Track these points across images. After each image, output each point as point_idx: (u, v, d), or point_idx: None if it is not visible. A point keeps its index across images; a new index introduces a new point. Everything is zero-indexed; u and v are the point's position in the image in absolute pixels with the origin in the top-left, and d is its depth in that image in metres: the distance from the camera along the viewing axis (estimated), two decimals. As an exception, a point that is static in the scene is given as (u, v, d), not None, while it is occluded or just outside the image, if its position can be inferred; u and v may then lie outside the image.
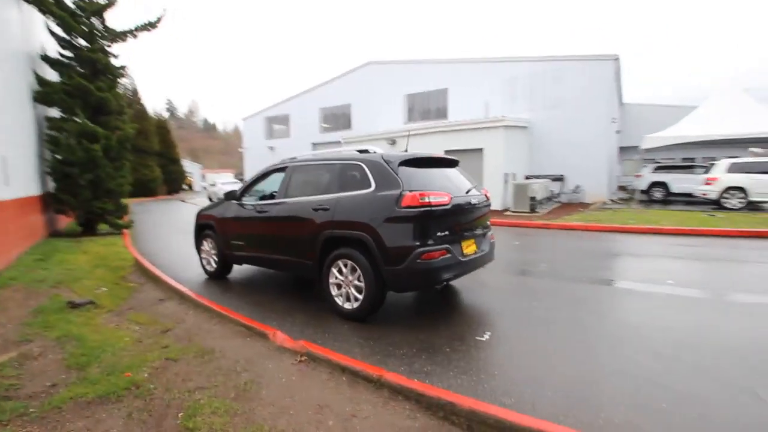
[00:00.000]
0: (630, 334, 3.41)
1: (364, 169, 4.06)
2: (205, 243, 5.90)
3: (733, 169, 13.19)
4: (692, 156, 22.87)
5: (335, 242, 4.11)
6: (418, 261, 3.61)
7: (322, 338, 3.47)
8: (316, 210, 4.26)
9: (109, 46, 9.98)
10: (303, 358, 2.99)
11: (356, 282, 3.93)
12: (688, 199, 16.15)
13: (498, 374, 2.74)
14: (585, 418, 2.21)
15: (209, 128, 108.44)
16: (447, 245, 3.80)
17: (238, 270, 6.19)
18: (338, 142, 21.98)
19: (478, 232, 4.34)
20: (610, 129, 17.32)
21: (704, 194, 13.74)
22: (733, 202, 12.85)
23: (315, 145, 26.28)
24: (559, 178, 17.46)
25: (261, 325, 3.62)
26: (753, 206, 12.55)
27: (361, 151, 4.44)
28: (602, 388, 2.54)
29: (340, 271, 4.08)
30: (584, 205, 15.38)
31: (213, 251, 5.76)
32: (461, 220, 4.03)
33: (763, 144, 20.73)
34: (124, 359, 2.97)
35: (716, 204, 13.19)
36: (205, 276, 5.90)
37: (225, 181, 25.28)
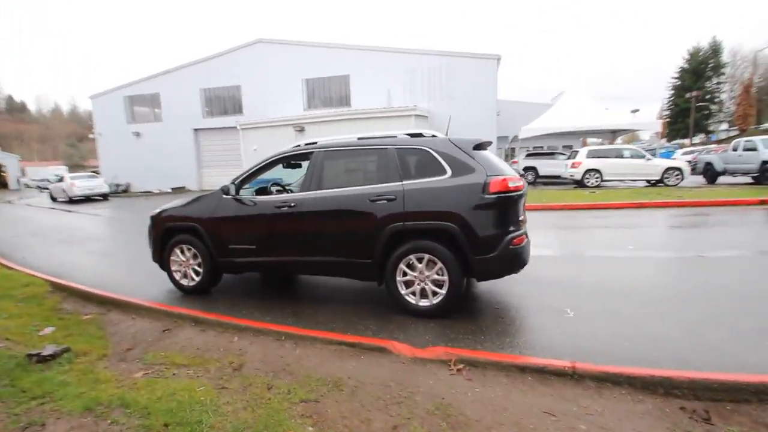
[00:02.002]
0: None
1: (432, 155, 3.70)
2: (178, 253, 4.62)
3: (591, 155, 16.31)
4: (541, 144, 27.46)
5: (404, 236, 3.68)
6: (510, 247, 3.50)
7: (410, 341, 3.08)
8: (374, 201, 3.72)
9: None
10: (460, 366, 2.62)
11: (435, 276, 3.60)
12: (554, 181, 19.41)
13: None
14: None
15: (16, 108, 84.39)
16: (524, 230, 3.78)
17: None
18: (233, 128, 19.65)
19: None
20: (494, 120, 19.54)
21: (572, 176, 16.69)
22: (592, 181, 15.94)
23: (198, 131, 23.01)
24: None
25: (371, 339, 3.04)
26: (604, 184, 15.80)
27: (412, 135, 4.03)
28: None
29: (410, 267, 3.68)
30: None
31: (194, 261, 4.56)
32: (523, 203, 4.04)
33: (597, 135, 26.03)
34: (247, 419, 2.13)
35: (580, 183, 16.17)
36: (177, 292, 4.65)
37: (75, 176, 20.26)
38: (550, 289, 4.18)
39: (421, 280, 3.66)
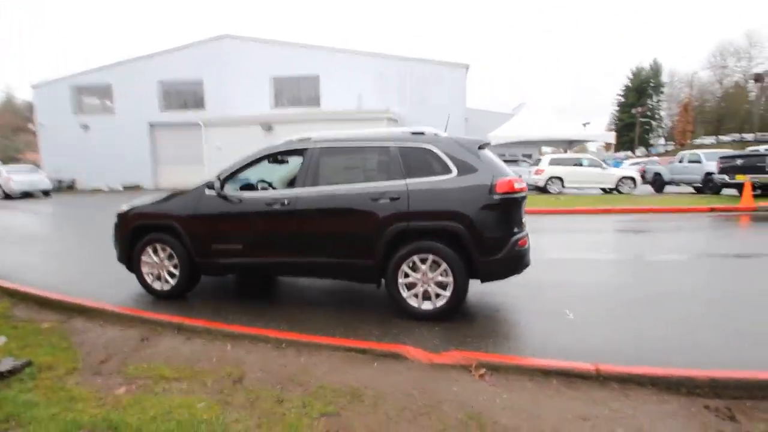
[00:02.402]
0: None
1: (436, 153, 3.59)
2: (150, 253, 4.19)
3: (553, 162, 17.02)
4: (503, 152, 28.43)
5: (408, 236, 3.53)
6: (516, 248, 3.46)
7: (420, 346, 2.95)
8: (376, 200, 3.55)
9: None
10: (482, 371, 2.50)
11: (439, 278, 3.48)
12: (518, 186, 20.04)
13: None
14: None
15: None
16: (527, 231, 3.75)
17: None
18: (197, 125, 18.63)
19: None
20: (463, 127, 19.93)
21: (535, 182, 17.31)
22: (554, 188, 16.62)
23: (154, 125, 21.63)
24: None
25: (383, 345, 2.84)
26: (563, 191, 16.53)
27: (414, 133, 3.89)
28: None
29: (413, 268, 3.53)
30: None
31: (169, 262, 4.15)
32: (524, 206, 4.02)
33: (553, 144, 27.26)
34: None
35: (542, 190, 16.81)
36: (147, 296, 4.21)
37: (13, 169, 18.37)
38: (542, 292, 4.19)
39: (424, 282, 3.52)
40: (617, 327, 3.28)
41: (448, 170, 3.52)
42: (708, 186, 13.77)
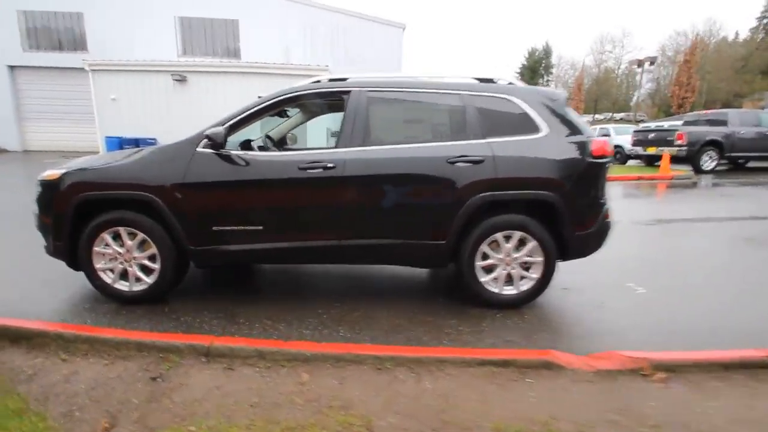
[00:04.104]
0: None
1: (521, 107, 2.89)
2: (109, 240, 2.83)
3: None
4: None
5: (490, 209, 2.84)
6: (605, 220, 3.02)
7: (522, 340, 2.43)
8: (453, 163, 2.77)
9: None
10: (662, 375, 2.01)
11: (525, 258, 2.90)
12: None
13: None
14: None
15: None
16: None
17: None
18: (80, 70, 14.65)
19: None
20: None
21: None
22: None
23: (15, 69, 16.63)
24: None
25: (526, 352, 2.17)
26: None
27: (481, 80, 3.11)
28: None
29: (493, 247, 2.90)
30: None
31: (142, 253, 2.86)
32: None
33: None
34: None
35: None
36: (100, 303, 2.91)
37: None
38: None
39: (507, 264, 2.91)
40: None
41: (536, 128, 2.87)
42: (616, 157, 15.41)
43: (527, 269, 2.94)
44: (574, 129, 2.90)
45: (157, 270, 2.88)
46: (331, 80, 3.04)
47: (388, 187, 2.79)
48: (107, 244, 2.86)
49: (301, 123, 4.20)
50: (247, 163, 2.79)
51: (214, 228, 2.82)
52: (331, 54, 17.44)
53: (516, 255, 2.89)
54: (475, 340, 2.48)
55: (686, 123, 13.22)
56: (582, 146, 2.85)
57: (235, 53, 17.31)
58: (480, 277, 2.91)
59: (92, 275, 2.89)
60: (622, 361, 2.09)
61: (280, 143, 3.93)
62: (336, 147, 2.83)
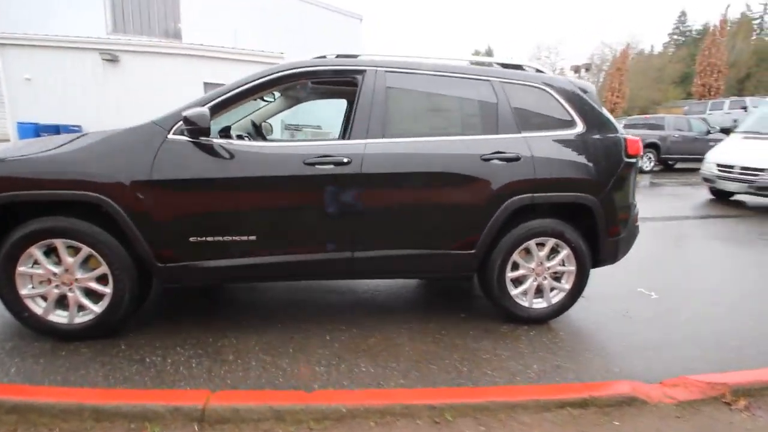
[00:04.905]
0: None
1: (556, 98, 2.56)
2: (39, 257, 2.07)
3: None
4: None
5: (525, 214, 2.47)
6: (635, 225, 2.80)
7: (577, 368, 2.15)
8: (488, 160, 2.36)
9: None
10: (744, 402, 1.76)
11: (558, 267, 2.58)
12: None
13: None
14: None
15: None
16: None
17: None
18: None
19: None
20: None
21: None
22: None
23: None
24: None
25: (602, 386, 1.79)
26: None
27: (505, 66, 2.72)
28: None
29: (525, 257, 2.55)
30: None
31: (86, 273, 2.13)
32: None
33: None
34: None
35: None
36: (26, 342, 2.15)
37: None
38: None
39: (538, 274, 2.58)
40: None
41: (571, 123, 2.56)
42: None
43: (557, 279, 2.64)
44: (608, 125, 2.64)
45: (109, 294, 2.17)
46: (338, 56, 2.50)
47: (413, 187, 2.33)
48: (37, 263, 2.09)
49: (279, 111, 3.59)
50: (237, 157, 2.17)
51: (192, 239, 2.17)
52: (282, 41, 16.34)
53: (549, 264, 2.57)
54: (521, 367, 2.11)
55: (627, 126, 14.12)
56: (619, 144, 2.60)
57: (176, 35, 15.57)
58: (512, 290, 2.56)
59: (15, 304, 2.11)
60: (701, 388, 1.83)
61: (258, 134, 3.28)
62: (348, 138, 2.30)
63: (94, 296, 2.20)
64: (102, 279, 2.17)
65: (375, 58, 2.47)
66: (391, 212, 2.33)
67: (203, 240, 2.18)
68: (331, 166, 2.20)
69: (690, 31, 49.03)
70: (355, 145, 2.27)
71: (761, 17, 43.45)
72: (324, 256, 2.31)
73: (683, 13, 50.02)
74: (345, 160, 2.21)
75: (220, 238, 2.19)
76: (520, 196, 2.39)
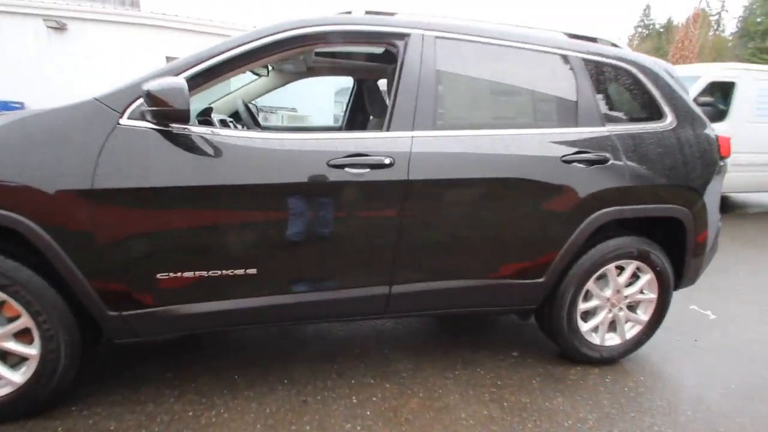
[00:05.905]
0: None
1: (642, 81, 1.97)
2: None
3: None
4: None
5: (607, 231, 1.91)
6: (716, 240, 2.31)
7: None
8: (570, 162, 1.76)
9: None
10: None
11: (638, 296, 2.05)
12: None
13: None
14: None
15: None
16: None
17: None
18: None
19: None
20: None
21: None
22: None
23: None
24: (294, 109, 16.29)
25: None
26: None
27: (574, 36, 2.10)
28: None
29: (600, 285, 2.00)
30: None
31: (2, 330, 1.38)
32: None
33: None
34: None
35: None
36: None
37: None
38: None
39: (613, 305, 2.04)
40: None
41: (661, 114, 2.00)
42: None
43: (632, 309, 2.12)
44: (699, 119, 2.09)
45: (36, 356, 1.43)
46: (368, 13, 1.78)
47: (473, 199, 1.70)
48: None
49: (269, 90, 2.84)
50: (227, 154, 1.45)
51: (160, 275, 1.45)
52: (265, 16, 15.01)
53: (628, 292, 2.03)
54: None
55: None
56: (713, 143, 2.06)
57: (133, 2, 13.89)
58: (582, 326, 2.01)
59: None
60: None
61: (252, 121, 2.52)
62: (386, 129, 1.62)
63: (12, 359, 1.46)
64: (22, 336, 1.43)
65: (421, 19, 1.77)
66: (442, 233, 1.70)
67: (177, 276, 1.47)
68: (367, 170, 1.53)
69: (653, 24, 50.32)
70: (396, 139, 1.59)
71: (719, 14, 45.23)
72: (350, 294, 1.65)
73: (648, 7, 51.22)
74: (387, 161, 1.53)
75: (205, 274, 1.48)
76: (606, 210, 1.82)
